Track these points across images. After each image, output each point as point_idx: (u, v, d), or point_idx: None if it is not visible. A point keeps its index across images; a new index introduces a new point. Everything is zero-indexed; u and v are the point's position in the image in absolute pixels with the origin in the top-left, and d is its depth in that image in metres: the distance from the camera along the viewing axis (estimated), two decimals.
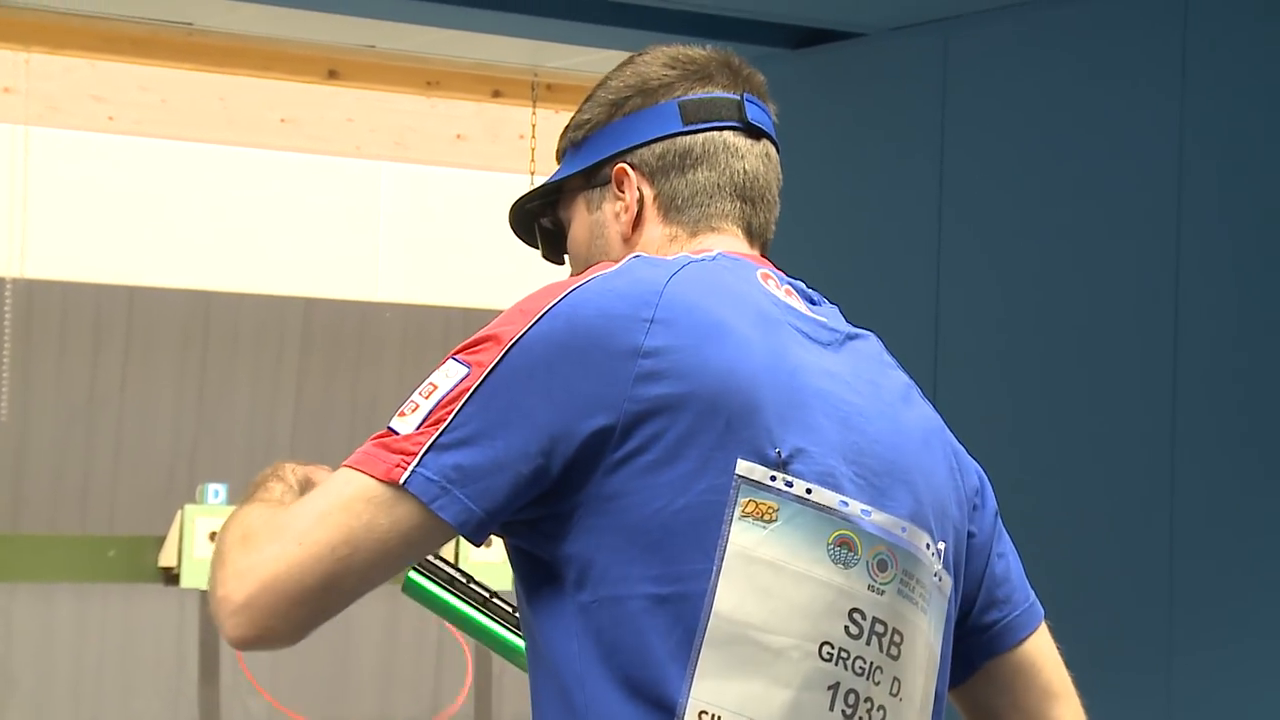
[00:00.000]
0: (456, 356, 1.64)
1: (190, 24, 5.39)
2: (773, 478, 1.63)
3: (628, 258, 1.70)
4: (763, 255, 1.81)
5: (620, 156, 1.80)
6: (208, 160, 7.50)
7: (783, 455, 1.63)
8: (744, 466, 1.61)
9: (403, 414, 1.62)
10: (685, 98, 1.80)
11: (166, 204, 7.63)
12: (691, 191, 1.78)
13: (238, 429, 8.35)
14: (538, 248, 1.91)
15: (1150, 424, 3.81)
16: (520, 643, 1.89)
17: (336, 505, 1.59)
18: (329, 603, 1.60)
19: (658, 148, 1.79)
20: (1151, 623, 3.76)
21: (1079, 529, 3.92)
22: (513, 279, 8.27)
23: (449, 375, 1.62)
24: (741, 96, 1.81)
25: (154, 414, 8.25)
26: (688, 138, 1.79)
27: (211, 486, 7.16)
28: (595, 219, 1.81)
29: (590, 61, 6.00)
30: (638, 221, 1.79)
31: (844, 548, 1.65)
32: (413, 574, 1.91)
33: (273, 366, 8.45)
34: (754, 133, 1.82)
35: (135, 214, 7.62)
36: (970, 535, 1.80)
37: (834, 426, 1.67)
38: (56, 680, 8.06)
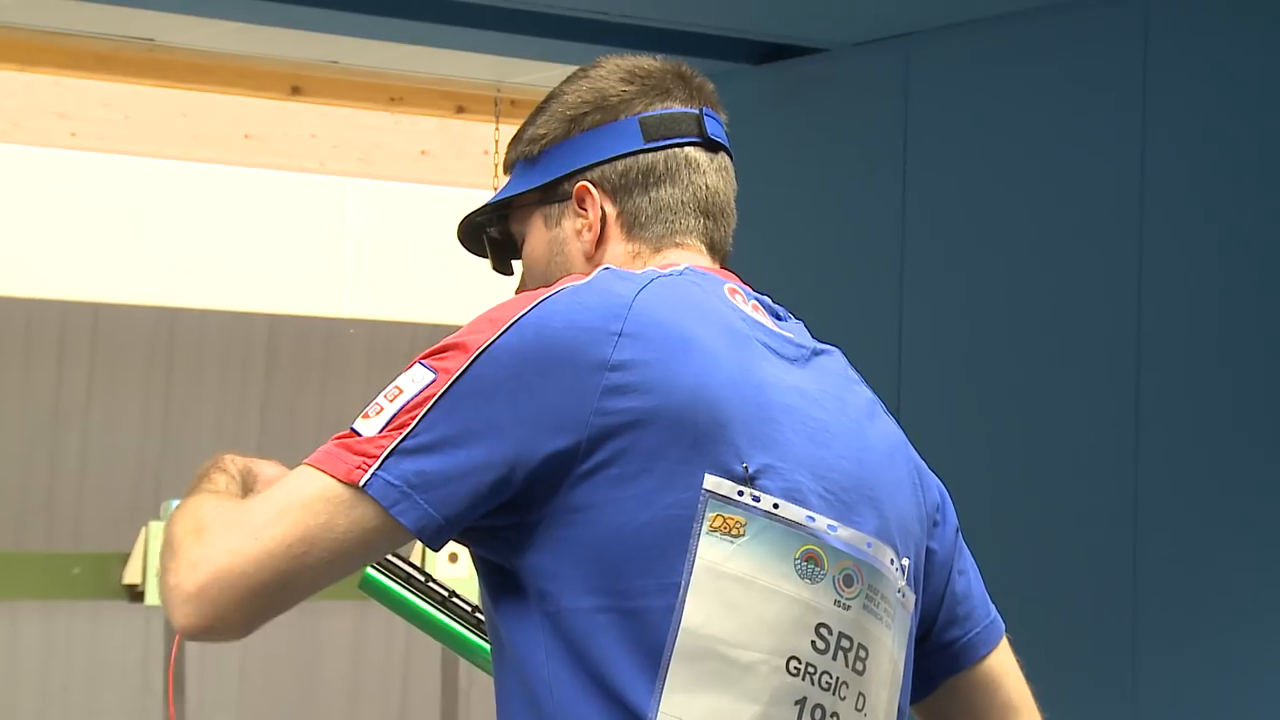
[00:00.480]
0: (423, 361, 1.64)
1: (152, 40, 5.38)
2: (740, 492, 1.63)
3: (597, 270, 1.70)
4: (723, 268, 1.81)
5: (580, 174, 1.79)
6: (172, 177, 7.49)
7: (750, 470, 1.64)
8: (711, 481, 1.62)
9: (366, 416, 1.63)
10: (645, 114, 1.80)
11: (131, 220, 7.61)
12: (655, 209, 1.78)
13: (203, 445, 8.32)
14: (487, 258, 1.90)
15: (1114, 431, 3.83)
16: (480, 641, 1.89)
17: (295, 503, 1.60)
18: (281, 598, 1.61)
19: (619, 165, 1.79)
20: (1116, 628, 3.77)
21: (1043, 536, 3.93)
22: (478, 295, 8.26)
23: (415, 380, 1.62)
24: (700, 111, 1.81)
25: (119, 431, 8.22)
26: (649, 155, 1.79)
27: (176, 503, 7.11)
28: (554, 235, 1.81)
29: (553, 77, 5.99)
30: (600, 239, 1.79)
31: (811, 563, 1.66)
32: (371, 571, 1.91)
33: (238, 383, 8.43)
34: (712, 146, 1.82)
35: (99, 231, 7.60)
36: (931, 552, 1.81)
37: (801, 442, 1.68)
38: (21, 697, 8.02)
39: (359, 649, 8.49)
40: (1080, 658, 3.79)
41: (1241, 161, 3.70)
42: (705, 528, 1.61)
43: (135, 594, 6.94)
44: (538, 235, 1.83)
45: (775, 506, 1.64)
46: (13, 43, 5.59)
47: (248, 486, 1.77)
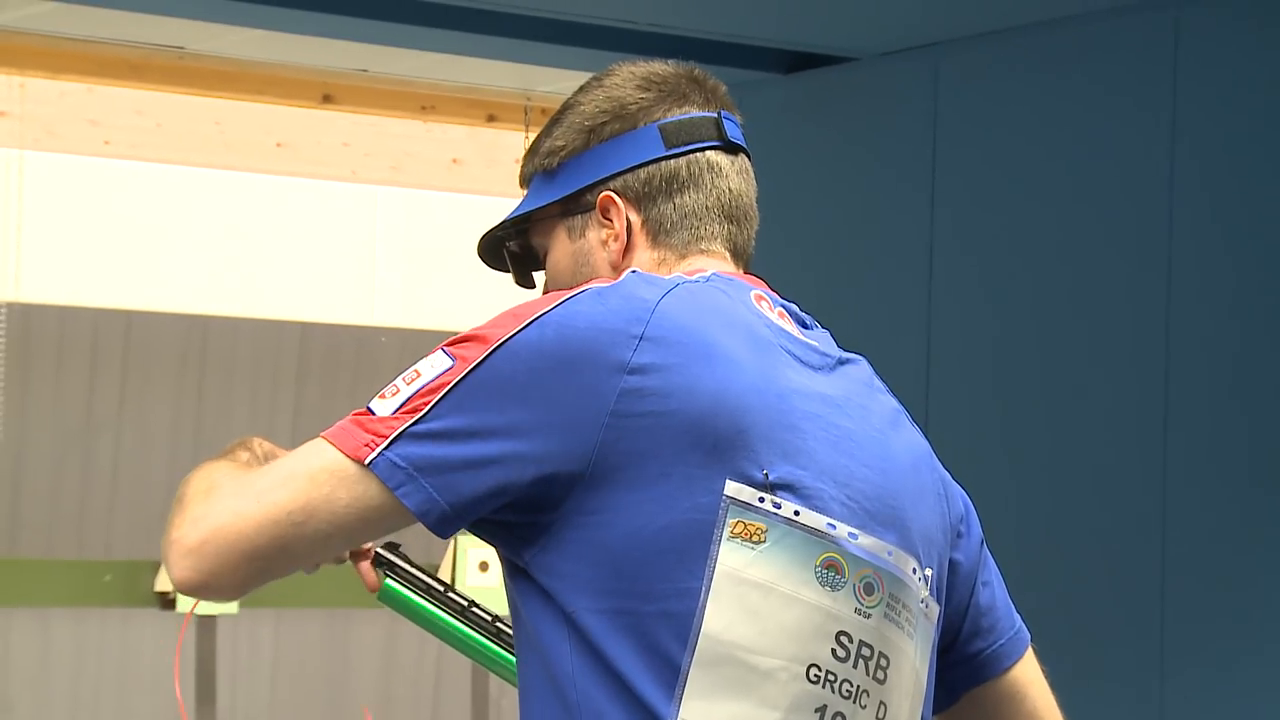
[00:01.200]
0: (445, 348, 1.64)
1: (182, 48, 5.40)
2: (761, 499, 1.63)
3: (625, 273, 1.70)
4: (748, 273, 1.81)
5: (603, 184, 1.79)
6: (204, 184, 7.51)
7: (770, 477, 1.63)
8: (732, 487, 1.62)
9: (383, 396, 1.64)
10: (665, 120, 1.79)
11: (163, 228, 7.64)
12: (680, 215, 1.78)
13: None
14: (508, 272, 1.90)
15: (1143, 442, 3.81)
16: (501, 651, 1.88)
17: (302, 472, 1.62)
18: (277, 564, 1.62)
19: (642, 173, 1.78)
20: (1144, 642, 3.76)
21: (1070, 549, 3.92)
22: (508, 303, 8.27)
23: (434, 365, 1.63)
24: (719, 114, 1.81)
25: (151, 438, 8.25)
26: (672, 162, 1.78)
27: None
28: (579, 246, 1.81)
29: None
30: (626, 247, 1.78)
31: (831, 570, 1.66)
32: (390, 581, 1.90)
33: (269, 391, 8.45)
34: (731, 148, 1.81)
35: (132, 238, 7.63)
36: (955, 563, 1.80)
37: (824, 450, 1.67)
38: (53, 705, 8.05)
39: (390, 658, 8.50)
40: (1108, 672, 3.77)
41: (1271, 170, 3.68)
42: (726, 534, 1.61)
43: (167, 601, 6.96)
44: (561, 247, 1.82)
45: (796, 514, 1.64)
46: (45, 51, 5.62)
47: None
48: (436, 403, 1.61)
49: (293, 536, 1.60)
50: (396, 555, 1.90)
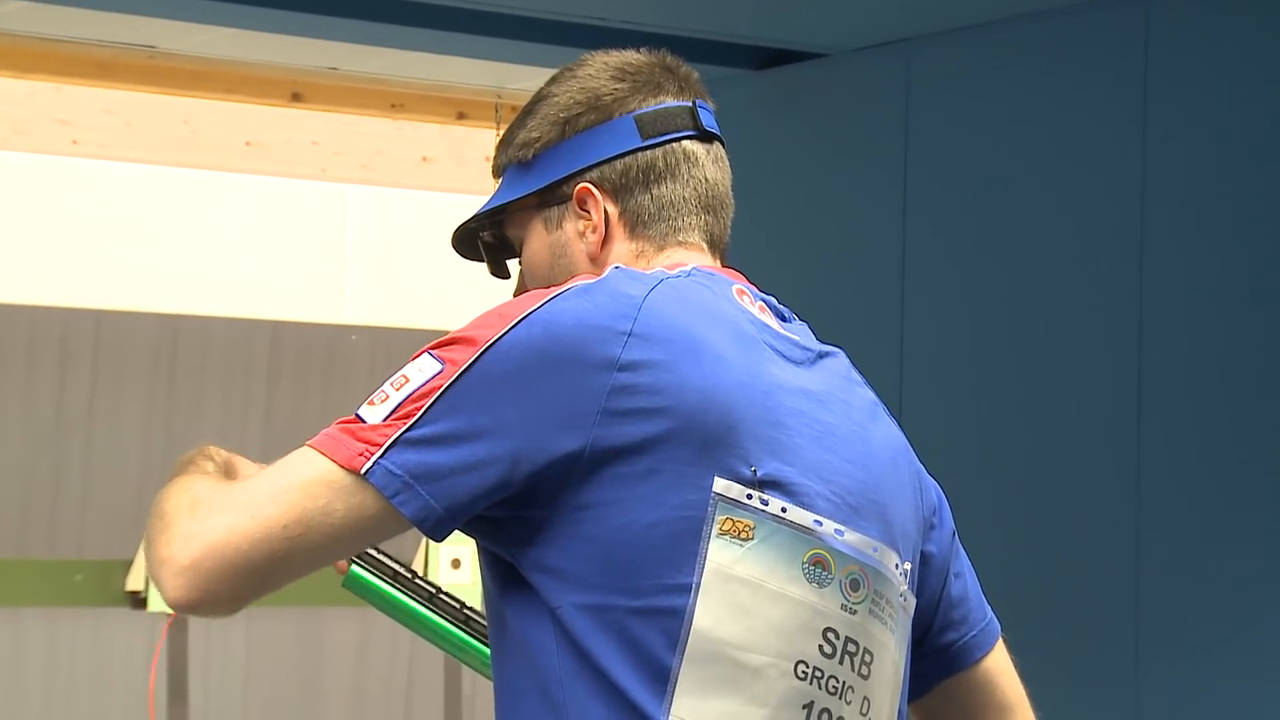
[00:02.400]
0: (431, 352, 1.63)
1: (153, 46, 5.38)
2: (749, 496, 1.63)
3: (608, 269, 1.70)
4: (724, 265, 1.81)
5: (579, 175, 1.78)
6: (173, 183, 7.49)
7: (758, 474, 1.64)
8: (721, 484, 1.62)
9: (372, 403, 1.62)
10: (640, 111, 1.79)
11: (133, 227, 7.61)
12: (658, 206, 1.78)
13: None
14: (482, 262, 1.90)
15: (1116, 435, 3.82)
16: (468, 638, 1.87)
17: (294, 484, 1.60)
18: (273, 578, 1.61)
19: (619, 165, 1.78)
20: (1119, 634, 3.77)
21: (1045, 542, 3.92)
22: (481, 301, 8.25)
23: (422, 370, 1.61)
24: (693, 103, 1.81)
25: (122, 438, 8.22)
26: (648, 152, 1.78)
27: None
28: (556, 238, 1.80)
29: None
30: (604, 239, 1.78)
31: (818, 567, 1.66)
32: (355, 568, 1.90)
33: (241, 390, 8.43)
34: (706, 137, 1.81)
35: (101, 238, 7.61)
36: (927, 555, 1.81)
37: (809, 446, 1.68)
38: (25, 704, 8.02)
39: (363, 656, 8.49)
40: (1083, 665, 3.78)
41: (1242, 162, 3.69)
42: (715, 530, 1.61)
43: (138, 601, 6.94)
44: (538, 239, 1.82)
45: (783, 510, 1.64)
46: (14, 50, 5.59)
47: (229, 478, 1.77)
48: (429, 408, 1.60)
49: (289, 550, 1.59)
50: None
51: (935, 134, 4.21)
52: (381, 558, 1.90)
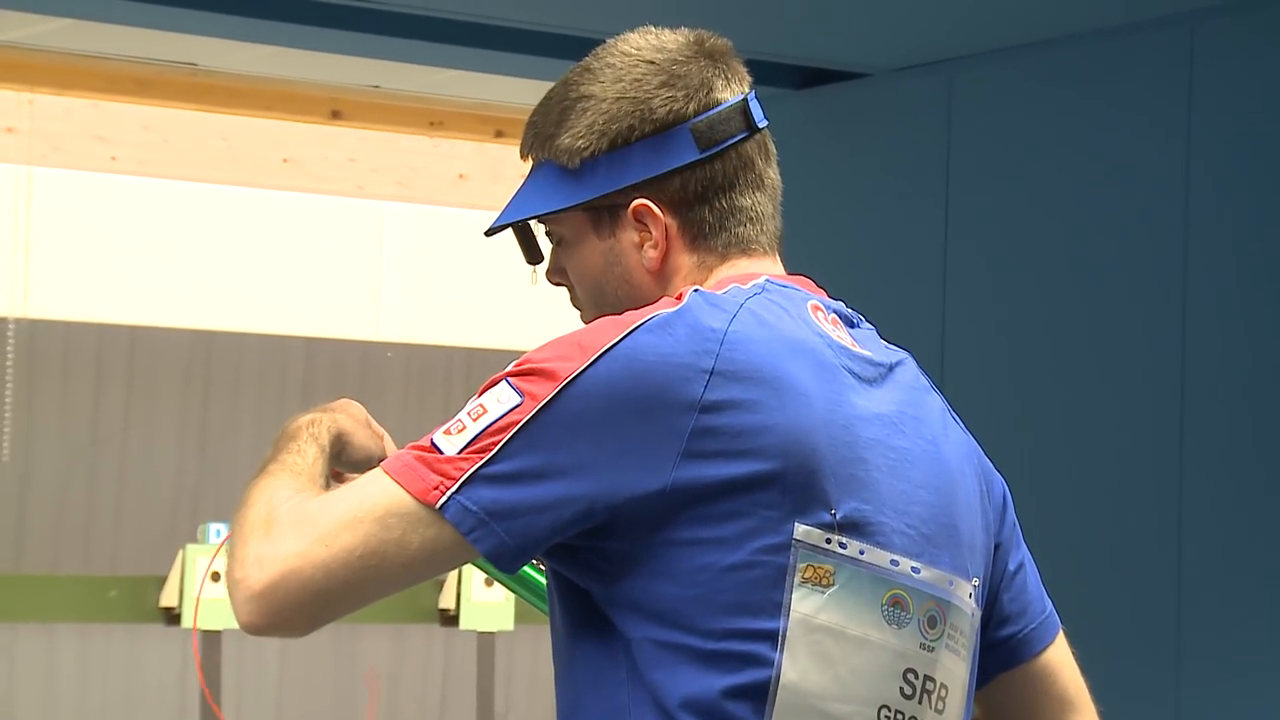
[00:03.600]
0: (510, 380, 1.58)
1: (194, 64, 5.40)
2: (828, 540, 1.60)
3: (688, 293, 1.64)
4: (781, 255, 1.78)
5: (634, 190, 1.71)
6: (210, 200, 7.50)
7: (838, 517, 1.61)
8: (801, 530, 1.59)
9: (448, 431, 1.58)
10: (695, 120, 1.72)
11: (169, 244, 7.63)
12: (718, 218, 1.73)
13: (240, 468, 8.32)
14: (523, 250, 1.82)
15: (1159, 452, 3.80)
16: None
17: (369, 514, 1.56)
18: (345, 603, 1.58)
19: (676, 180, 1.71)
20: (1160, 645, 3.75)
21: (1087, 554, 3.90)
22: (515, 319, 8.26)
23: (500, 401, 1.58)
24: (745, 98, 1.75)
25: (156, 454, 8.24)
26: (707, 166, 1.72)
27: (213, 526, 7.13)
28: (610, 245, 1.74)
29: None
30: (664, 253, 1.73)
31: (897, 607, 1.64)
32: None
33: (275, 406, 8.43)
34: (755, 130, 1.75)
35: (137, 254, 7.62)
36: (993, 549, 1.78)
37: (885, 478, 1.65)
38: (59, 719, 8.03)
39: (396, 673, 8.48)
40: (1124, 676, 3.76)
41: None
42: (798, 579, 1.59)
43: (172, 617, 6.94)
44: (588, 244, 1.75)
45: (861, 553, 1.62)
46: (54, 67, 5.61)
47: (337, 455, 1.74)
48: (505, 443, 1.56)
49: (362, 579, 1.56)
50: None
51: (976, 154, 4.20)
52: None
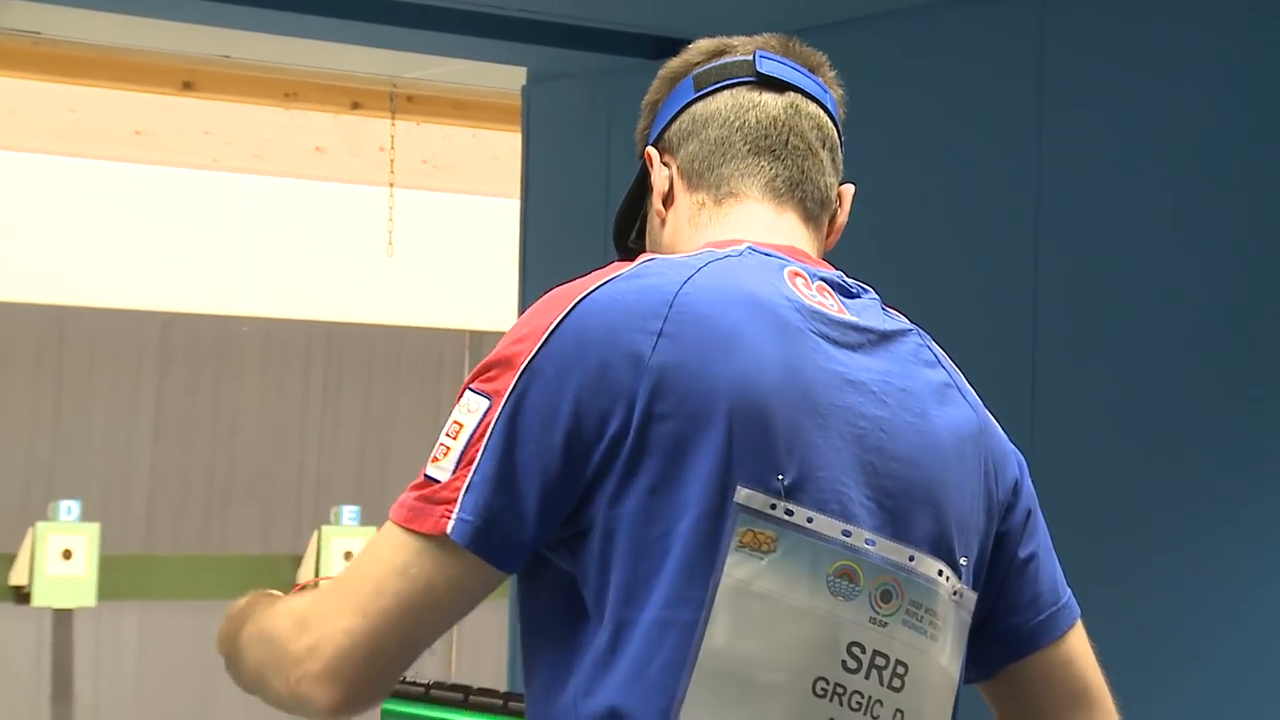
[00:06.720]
0: (473, 387, 1.60)
1: (38, 33, 5.30)
2: (773, 506, 1.57)
3: (641, 259, 1.65)
4: (810, 213, 1.75)
5: (652, 145, 1.77)
6: (60, 173, 7.38)
7: (785, 482, 1.58)
8: (744, 494, 1.57)
9: (435, 459, 1.59)
10: (700, 69, 1.76)
11: (19, 217, 7.50)
12: (705, 151, 1.74)
13: (95, 446, 8.22)
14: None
15: (1012, 410, 3.84)
16: None
17: (393, 572, 1.58)
18: (404, 658, 1.60)
19: (675, 124, 1.75)
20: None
21: None
22: (372, 291, 8.22)
23: (471, 410, 1.59)
24: (754, 54, 1.76)
25: (7, 431, 8.11)
26: (699, 103, 1.74)
27: (64, 503, 7.05)
28: (648, 204, 1.79)
29: (449, 72, 5.97)
30: (671, 198, 1.75)
31: (845, 579, 1.60)
32: (387, 704, 1.85)
33: (130, 382, 8.33)
34: (773, 85, 1.75)
35: None
36: (1000, 536, 1.73)
37: (850, 445, 1.62)
38: None
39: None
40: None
41: (1141, 144, 3.73)
42: (734, 543, 1.56)
43: (21, 596, 6.85)
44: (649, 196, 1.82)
45: (810, 520, 1.58)
46: None
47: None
48: (486, 446, 1.57)
49: (408, 634, 1.58)
50: None
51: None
52: (403, 685, 1.85)
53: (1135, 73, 3.72)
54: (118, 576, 7.40)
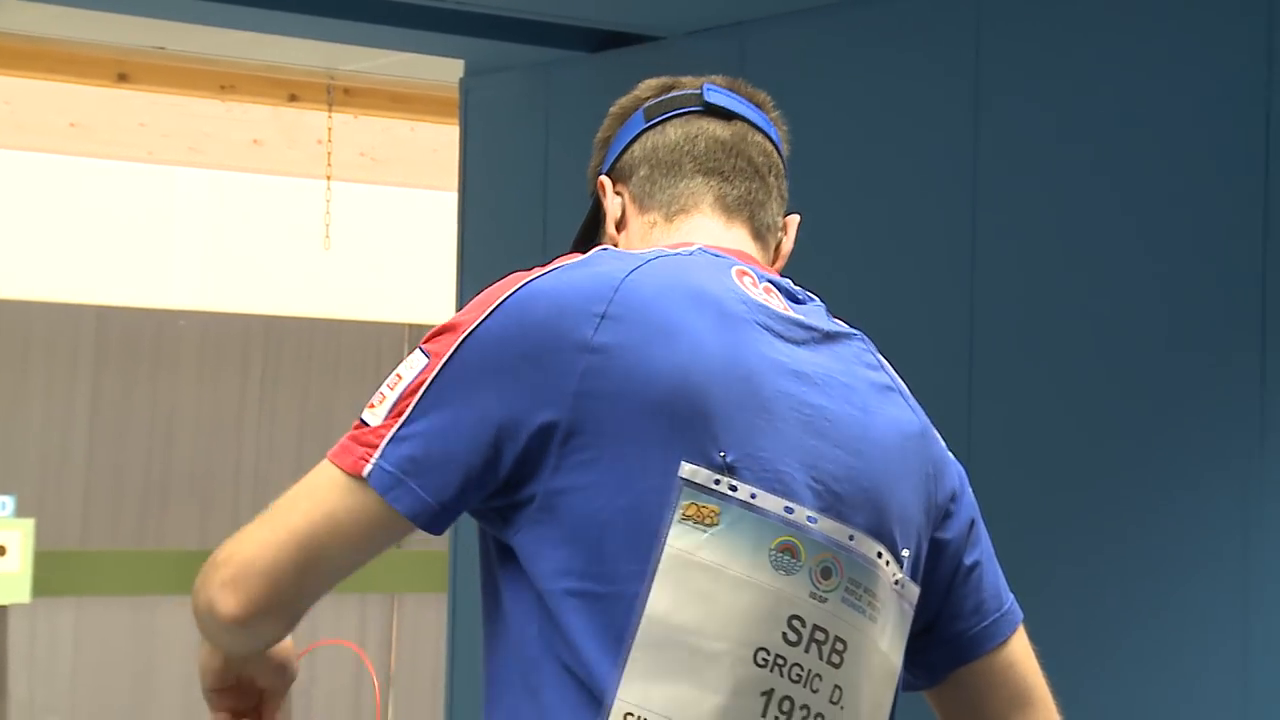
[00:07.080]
0: (421, 346, 1.66)
1: None
2: (716, 481, 1.62)
3: (594, 251, 1.71)
4: (758, 231, 1.82)
5: (606, 174, 1.85)
6: None
7: (728, 458, 1.63)
8: (687, 469, 1.62)
9: (372, 405, 1.65)
10: (650, 102, 1.85)
11: None
12: (657, 175, 1.81)
13: (30, 440, 8.17)
14: None
15: (949, 385, 3.85)
16: None
17: (309, 494, 1.64)
18: (304, 585, 1.64)
19: (627, 154, 1.83)
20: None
21: None
22: (309, 285, 8.18)
23: (412, 366, 1.65)
24: (702, 87, 1.85)
25: None
26: (650, 132, 1.82)
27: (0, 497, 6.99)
28: (600, 238, 1.86)
29: (387, 65, 5.95)
30: (623, 223, 1.83)
31: (786, 554, 1.65)
32: None
33: (65, 376, 8.28)
34: (721, 114, 1.84)
35: None
36: (940, 543, 1.79)
37: (793, 430, 1.67)
38: None
39: (196, 644, 8.38)
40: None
41: (1071, 127, 3.75)
42: (678, 516, 1.61)
43: None
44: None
45: (752, 496, 1.63)
46: None
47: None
48: (417, 402, 1.63)
49: (306, 558, 1.63)
50: None
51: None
52: None
53: (1071, 64, 3.74)
54: (53, 572, 7.36)
